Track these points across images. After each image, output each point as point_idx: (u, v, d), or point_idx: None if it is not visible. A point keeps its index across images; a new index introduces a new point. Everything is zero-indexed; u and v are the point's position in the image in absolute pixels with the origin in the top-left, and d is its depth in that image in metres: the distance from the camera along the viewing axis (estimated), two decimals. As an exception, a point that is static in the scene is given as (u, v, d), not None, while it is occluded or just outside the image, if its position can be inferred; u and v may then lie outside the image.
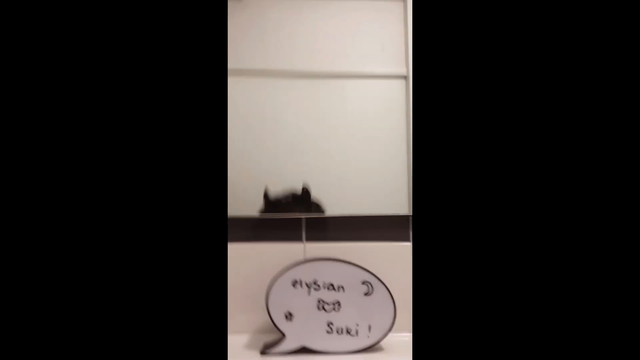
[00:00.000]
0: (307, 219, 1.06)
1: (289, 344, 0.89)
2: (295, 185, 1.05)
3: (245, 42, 1.08)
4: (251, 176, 1.05)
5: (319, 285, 0.92)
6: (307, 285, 0.91)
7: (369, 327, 0.91)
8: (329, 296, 0.91)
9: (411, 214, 1.07)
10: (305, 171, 1.06)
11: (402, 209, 1.08)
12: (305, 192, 1.06)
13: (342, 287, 0.92)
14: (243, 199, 1.03)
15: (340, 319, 0.91)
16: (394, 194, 1.08)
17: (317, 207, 1.06)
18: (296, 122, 1.08)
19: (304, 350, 0.89)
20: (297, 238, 1.05)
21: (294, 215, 1.05)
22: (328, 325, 0.90)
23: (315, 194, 1.06)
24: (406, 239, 1.07)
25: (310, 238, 1.06)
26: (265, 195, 1.05)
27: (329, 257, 0.95)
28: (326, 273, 0.92)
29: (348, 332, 0.90)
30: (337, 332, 0.90)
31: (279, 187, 1.05)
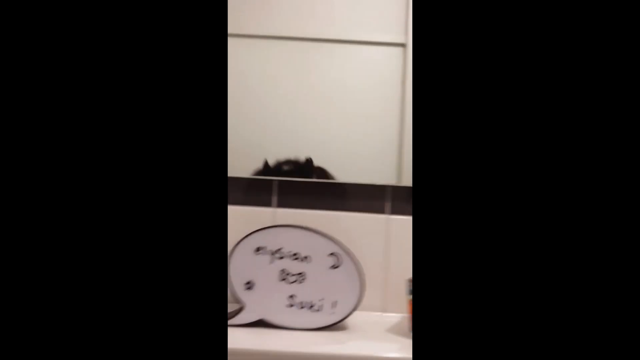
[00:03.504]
0: (279, 181, 0.98)
1: (248, 315, 0.82)
2: (289, 151, 1.00)
3: (243, 6, 1.01)
4: (239, 139, 0.99)
5: (283, 254, 0.84)
6: (271, 253, 0.84)
7: (333, 303, 0.84)
8: (293, 266, 0.84)
9: (399, 183, 1.01)
10: (301, 138, 1.02)
11: (390, 179, 1.02)
12: (309, 162, 0.99)
13: (309, 258, 0.85)
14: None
15: (303, 292, 0.84)
16: (383, 163, 1.02)
17: (323, 174, 1.00)
18: (289, 89, 1.03)
19: (262, 323, 0.83)
20: (266, 203, 0.98)
21: (264, 177, 0.97)
22: (290, 298, 0.84)
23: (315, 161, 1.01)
24: (382, 211, 1.00)
25: (282, 204, 0.98)
26: (266, 166, 0.99)
27: (297, 225, 0.87)
28: (292, 241, 0.85)
29: (311, 306, 0.84)
30: (299, 306, 0.83)
31: (273, 153, 1.00)
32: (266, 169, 0.99)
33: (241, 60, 1.01)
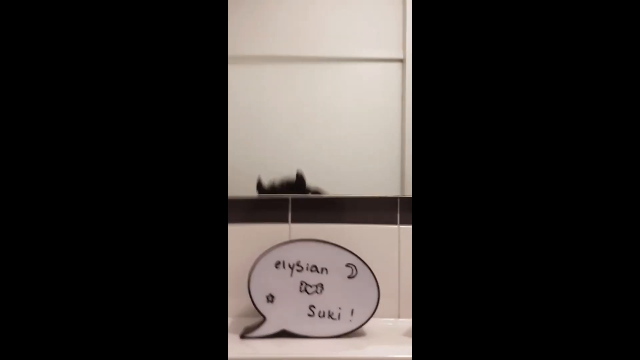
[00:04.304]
0: (293, 199, 1.03)
1: (269, 327, 0.87)
2: (289, 170, 1.03)
3: (238, 28, 1.04)
4: (242, 160, 1.02)
5: (302, 267, 0.89)
6: (289, 266, 0.89)
7: (352, 311, 0.89)
8: (312, 278, 0.89)
9: (402, 195, 1.06)
10: (300, 156, 1.05)
11: (394, 192, 1.06)
12: (300, 178, 1.03)
13: (326, 269, 0.90)
14: (232, 179, 0.99)
15: (322, 302, 0.89)
16: (387, 177, 1.06)
17: (316, 193, 1.04)
18: (293, 107, 1.06)
19: (284, 333, 0.87)
20: (282, 219, 1.03)
21: (280, 196, 1.02)
22: (310, 309, 0.88)
23: (312, 179, 1.04)
24: (394, 222, 1.05)
25: (296, 219, 1.03)
26: (259, 185, 1.02)
27: (313, 239, 0.93)
28: (310, 254, 0.90)
29: (330, 315, 0.88)
30: (319, 315, 0.88)
31: (274, 172, 1.03)
32: (260, 191, 1.03)
33: (239, 83, 1.04)
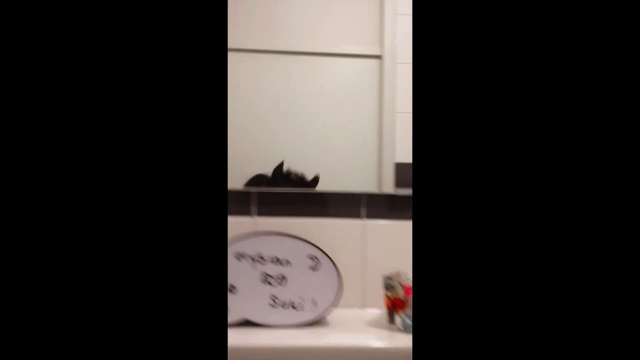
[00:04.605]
0: (258, 193, 1.05)
1: (231, 316, 0.88)
2: (263, 164, 1.05)
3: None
4: None
5: (264, 259, 0.91)
6: (251, 258, 0.90)
7: (314, 301, 0.90)
8: (274, 270, 0.91)
9: (380, 191, 1.08)
10: (278, 147, 1.07)
11: (372, 187, 1.08)
12: (315, 180, 1.05)
13: (288, 261, 0.91)
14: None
15: (285, 292, 0.90)
16: (364, 173, 1.08)
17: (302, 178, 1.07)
18: (270, 100, 1.07)
19: (246, 323, 0.89)
20: (246, 212, 1.04)
21: (244, 189, 1.04)
22: (272, 299, 0.90)
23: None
24: (357, 216, 1.07)
25: (262, 213, 1.05)
26: (280, 167, 1.04)
27: (275, 231, 0.94)
28: (272, 247, 0.91)
29: (292, 306, 0.90)
30: (282, 305, 0.90)
31: (254, 162, 1.05)
32: (276, 172, 1.05)
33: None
